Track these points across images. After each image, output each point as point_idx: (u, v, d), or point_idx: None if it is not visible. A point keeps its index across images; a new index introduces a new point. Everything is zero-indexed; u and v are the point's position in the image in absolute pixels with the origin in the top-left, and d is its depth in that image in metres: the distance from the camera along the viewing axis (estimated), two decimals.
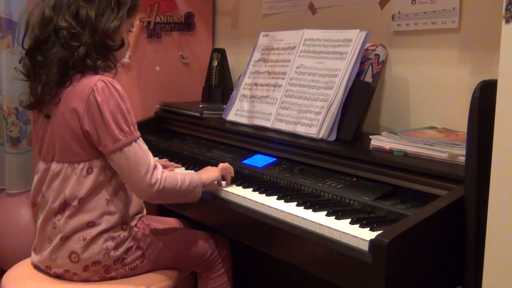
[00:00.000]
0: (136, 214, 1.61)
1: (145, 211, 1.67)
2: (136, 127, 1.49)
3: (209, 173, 1.64)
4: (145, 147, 1.49)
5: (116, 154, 1.44)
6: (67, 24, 1.45)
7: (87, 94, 1.43)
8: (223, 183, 1.68)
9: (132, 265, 1.55)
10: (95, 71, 1.48)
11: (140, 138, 1.49)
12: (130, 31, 1.60)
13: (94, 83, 1.44)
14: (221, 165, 1.68)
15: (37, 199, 1.57)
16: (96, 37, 1.47)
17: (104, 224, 1.50)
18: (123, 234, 1.53)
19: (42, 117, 1.52)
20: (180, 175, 1.54)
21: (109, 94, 1.44)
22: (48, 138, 1.52)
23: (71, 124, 1.45)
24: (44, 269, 1.56)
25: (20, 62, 1.54)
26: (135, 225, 1.58)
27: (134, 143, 1.46)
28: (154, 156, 2.07)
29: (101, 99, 1.43)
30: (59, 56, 1.44)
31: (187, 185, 1.54)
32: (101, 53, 1.49)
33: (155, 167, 1.47)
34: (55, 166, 1.50)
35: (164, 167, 1.87)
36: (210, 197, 1.65)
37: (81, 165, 1.48)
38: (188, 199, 1.58)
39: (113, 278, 1.53)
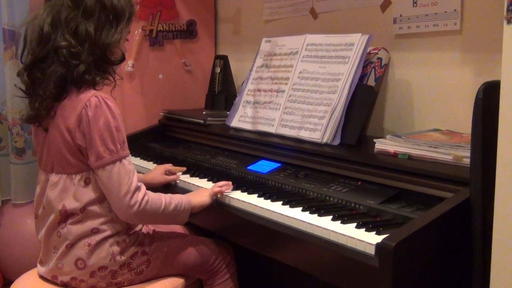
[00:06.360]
0: None
1: None
2: (125, 145, 1.48)
3: (200, 198, 1.62)
4: (131, 167, 1.47)
5: (99, 171, 1.44)
6: (67, 42, 1.44)
7: (80, 109, 1.43)
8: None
9: (138, 270, 1.55)
10: (93, 86, 1.47)
11: (127, 158, 1.47)
12: (127, 40, 1.60)
13: (88, 99, 1.44)
14: (213, 190, 1.63)
15: (39, 211, 1.57)
16: (96, 52, 1.47)
17: (109, 230, 1.50)
18: (128, 239, 1.54)
19: (41, 129, 1.53)
20: (166, 198, 1.52)
21: (100, 111, 1.43)
22: (47, 150, 1.52)
23: (65, 137, 1.46)
24: (50, 279, 1.56)
25: (18, 75, 1.53)
26: (140, 230, 1.59)
27: (118, 162, 1.45)
28: (159, 163, 2.07)
29: (92, 115, 1.43)
30: (58, 74, 1.44)
31: (172, 209, 1.53)
32: (101, 69, 1.49)
33: (137, 188, 1.46)
34: (53, 177, 1.51)
35: (169, 172, 1.90)
36: (215, 203, 1.65)
37: (78, 176, 1.49)
38: (173, 222, 1.60)
39: (120, 283, 1.54)
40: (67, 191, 1.49)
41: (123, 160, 1.46)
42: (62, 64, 1.44)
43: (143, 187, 1.49)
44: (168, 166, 1.92)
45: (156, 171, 1.90)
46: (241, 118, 2.07)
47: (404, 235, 1.13)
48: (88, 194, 1.49)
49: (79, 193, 1.48)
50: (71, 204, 1.49)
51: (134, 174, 1.48)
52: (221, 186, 1.64)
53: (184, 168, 1.93)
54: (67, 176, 1.49)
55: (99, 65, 1.49)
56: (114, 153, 1.45)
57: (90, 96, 1.44)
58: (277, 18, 2.38)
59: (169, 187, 1.86)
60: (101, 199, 1.50)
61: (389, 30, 1.90)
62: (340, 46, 1.83)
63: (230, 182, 1.66)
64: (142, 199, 1.46)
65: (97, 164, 1.44)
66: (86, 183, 1.49)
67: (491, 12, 1.61)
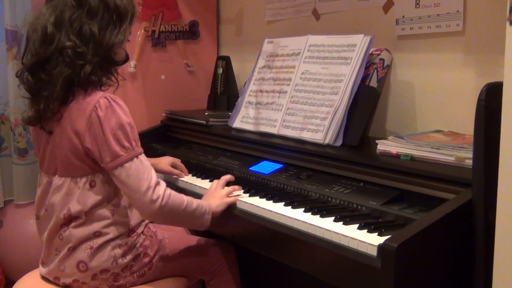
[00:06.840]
0: (141, 221, 1.60)
1: None
2: (138, 143, 1.47)
3: (218, 201, 1.59)
4: (147, 163, 1.47)
5: (118, 170, 1.43)
6: (72, 43, 1.42)
7: (89, 111, 1.42)
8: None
9: (140, 272, 1.55)
10: (100, 87, 1.46)
11: (143, 154, 1.47)
12: (128, 40, 1.59)
13: (96, 100, 1.42)
14: (225, 193, 1.62)
15: (41, 212, 1.56)
16: (100, 52, 1.45)
17: (111, 233, 1.50)
18: (130, 241, 1.54)
19: (43, 131, 1.50)
20: (187, 197, 1.51)
21: (111, 111, 1.42)
22: (50, 152, 1.51)
23: (72, 140, 1.44)
24: (52, 280, 1.56)
25: (17, 75, 1.51)
26: (142, 232, 1.59)
27: (135, 158, 1.44)
28: None
29: (103, 115, 1.41)
30: (64, 75, 1.42)
31: (194, 208, 1.51)
32: (105, 69, 1.48)
33: (157, 183, 1.45)
34: (57, 180, 1.50)
35: (174, 165, 1.92)
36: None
37: (84, 179, 1.48)
38: (195, 225, 1.56)
39: (122, 286, 1.53)
40: (71, 194, 1.48)
41: (139, 156, 1.45)
42: (68, 64, 1.42)
43: (163, 182, 1.48)
44: (177, 161, 1.93)
45: (164, 159, 1.91)
46: (243, 119, 2.07)
47: (406, 236, 1.13)
48: (93, 197, 1.48)
49: (84, 196, 1.47)
50: (75, 207, 1.48)
51: (152, 169, 1.47)
52: (233, 194, 1.63)
53: (187, 173, 1.93)
54: (72, 179, 1.48)
55: (103, 66, 1.48)
56: (130, 150, 1.44)
57: (98, 98, 1.43)
58: (279, 19, 2.38)
59: (171, 187, 1.86)
60: (106, 202, 1.50)
61: (392, 31, 1.89)
62: (342, 47, 1.83)
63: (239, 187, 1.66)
64: (164, 192, 1.44)
65: (114, 163, 1.42)
66: (92, 186, 1.48)
67: (494, 13, 1.61)
